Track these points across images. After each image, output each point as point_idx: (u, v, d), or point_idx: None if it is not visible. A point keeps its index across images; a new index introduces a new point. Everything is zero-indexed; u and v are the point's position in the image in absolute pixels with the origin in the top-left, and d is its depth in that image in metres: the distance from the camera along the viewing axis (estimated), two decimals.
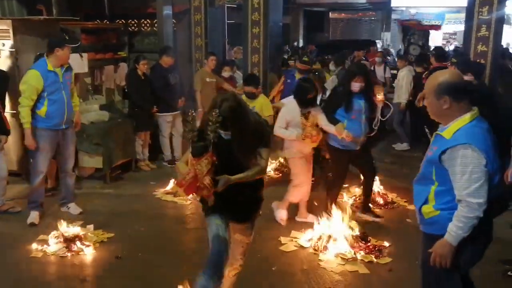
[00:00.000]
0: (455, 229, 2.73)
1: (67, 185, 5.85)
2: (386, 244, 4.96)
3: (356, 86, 5.20)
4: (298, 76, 7.07)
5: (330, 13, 26.05)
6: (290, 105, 5.29)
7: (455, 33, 25.93)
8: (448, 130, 2.78)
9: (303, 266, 4.59)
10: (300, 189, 5.51)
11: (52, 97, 5.29)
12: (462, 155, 2.67)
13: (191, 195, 4.21)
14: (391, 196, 6.35)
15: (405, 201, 6.25)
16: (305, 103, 5.19)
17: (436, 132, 2.90)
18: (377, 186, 6.25)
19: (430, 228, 2.92)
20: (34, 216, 5.51)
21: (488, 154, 2.69)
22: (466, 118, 2.77)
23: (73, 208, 5.80)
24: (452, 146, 2.71)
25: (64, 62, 5.38)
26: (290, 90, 6.64)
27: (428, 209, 2.89)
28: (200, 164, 3.01)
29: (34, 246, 4.85)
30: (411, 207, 6.00)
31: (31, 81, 5.20)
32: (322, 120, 5.25)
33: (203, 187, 3.06)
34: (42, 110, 5.28)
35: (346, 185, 6.43)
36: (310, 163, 5.53)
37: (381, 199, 6.23)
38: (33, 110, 5.29)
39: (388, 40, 25.55)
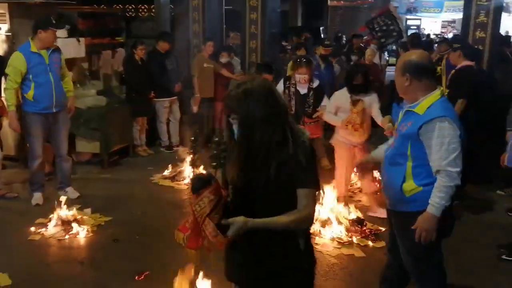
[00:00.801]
0: (438, 200, 2.83)
1: (63, 170, 5.85)
2: (382, 228, 4.98)
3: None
4: (322, 64, 6.99)
5: (328, 0, 25.90)
6: (341, 91, 5.25)
7: (454, 21, 25.83)
8: (420, 106, 2.91)
9: None
10: (336, 182, 5.42)
11: (38, 79, 5.25)
12: (439, 127, 2.81)
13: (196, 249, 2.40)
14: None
15: None
16: (353, 89, 5.10)
17: (407, 109, 3.01)
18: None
19: (412, 205, 2.94)
20: (37, 197, 5.57)
21: (459, 125, 2.85)
22: (436, 94, 2.92)
23: (71, 192, 5.80)
24: (428, 120, 2.84)
25: (48, 44, 5.30)
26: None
27: (410, 187, 2.94)
28: (199, 204, 2.10)
29: (32, 229, 4.87)
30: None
31: (14, 63, 5.18)
32: (374, 109, 5.16)
33: (204, 236, 2.13)
34: (30, 94, 5.25)
35: None
36: (356, 156, 5.21)
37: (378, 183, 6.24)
38: (22, 94, 5.29)
39: None
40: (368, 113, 5.13)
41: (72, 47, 6.97)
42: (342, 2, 26.50)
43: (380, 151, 3.32)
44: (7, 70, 5.22)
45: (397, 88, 3.06)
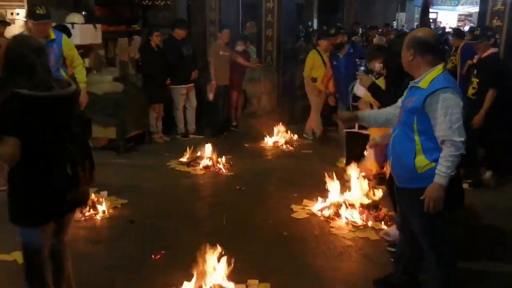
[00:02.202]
0: (445, 170, 2.87)
1: None
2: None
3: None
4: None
5: None
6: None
7: (470, 15, 25.57)
8: (424, 81, 2.99)
9: (314, 232, 4.62)
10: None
11: None
12: (443, 98, 2.88)
13: None
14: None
15: None
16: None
17: (411, 85, 3.10)
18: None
19: (424, 182, 2.94)
20: None
21: (462, 98, 2.93)
22: (439, 68, 3.00)
23: None
24: (431, 92, 2.90)
25: (37, 35, 4.86)
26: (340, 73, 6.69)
27: (423, 162, 2.97)
28: None
29: None
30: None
31: None
32: None
33: None
34: None
35: None
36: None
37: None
38: None
39: (403, 21, 25.25)
40: None
41: (88, 33, 7.03)
42: None
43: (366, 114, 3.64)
44: None
45: (402, 62, 3.15)
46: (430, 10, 26.13)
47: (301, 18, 20.51)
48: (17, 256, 3.99)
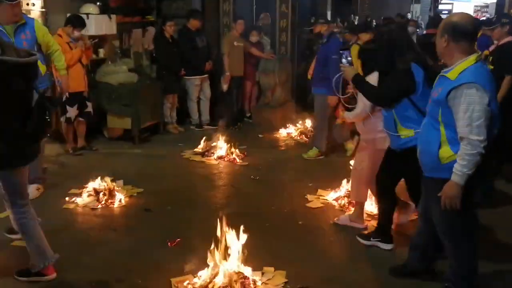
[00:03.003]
0: (460, 168, 2.82)
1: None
2: (411, 203, 4.93)
3: None
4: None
5: None
6: None
7: (487, 5, 25.25)
8: (453, 71, 2.87)
9: (329, 221, 4.61)
10: None
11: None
12: (466, 94, 2.77)
13: None
14: None
15: None
16: None
17: (441, 74, 2.99)
18: None
19: (447, 173, 2.91)
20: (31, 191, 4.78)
21: (492, 94, 2.79)
22: (471, 59, 2.86)
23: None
24: (456, 85, 2.80)
25: (11, 19, 4.66)
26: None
27: (447, 153, 2.93)
28: None
29: (66, 199, 4.98)
30: None
31: None
32: None
33: None
34: None
35: None
36: None
37: None
38: None
39: (417, 12, 25.01)
40: None
41: (103, 24, 7.05)
42: None
43: None
44: None
45: (437, 50, 3.03)
46: (445, 1, 25.88)
47: (315, 9, 20.41)
48: None
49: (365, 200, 4.50)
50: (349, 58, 4.00)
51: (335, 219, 4.62)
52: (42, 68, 4.92)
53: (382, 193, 4.03)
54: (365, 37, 6.66)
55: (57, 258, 3.55)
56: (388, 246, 4.06)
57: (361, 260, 3.96)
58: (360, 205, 4.51)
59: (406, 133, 3.61)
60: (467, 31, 2.88)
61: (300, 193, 5.26)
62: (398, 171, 3.84)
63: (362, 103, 4.07)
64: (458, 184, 2.84)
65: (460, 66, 2.85)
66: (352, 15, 20.32)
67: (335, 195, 5.08)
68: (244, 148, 6.68)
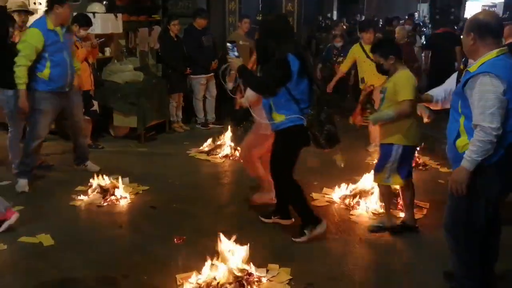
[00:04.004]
0: (469, 153, 2.86)
1: (82, 145, 5.78)
2: (417, 201, 4.92)
3: None
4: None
5: None
6: None
7: (494, 5, 25.13)
8: (475, 65, 2.92)
9: (334, 219, 4.62)
10: None
11: (54, 58, 5.04)
12: (480, 83, 2.82)
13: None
14: (424, 159, 6.28)
15: (437, 164, 6.20)
16: None
17: (466, 69, 3.05)
18: None
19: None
20: (23, 184, 5.16)
21: (509, 83, 2.80)
22: (493, 53, 2.90)
23: (91, 166, 5.76)
24: (472, 75, 2.85)
25: (63, 21, 5.15)
26: None
27: (463, 142, 2.96)
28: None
29: (72, 196, 5.00)
30: (444, 169, 5.95)
31: (30, 40, 4.92)
32: None
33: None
34: (45, 73, 5.02)
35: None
36: None
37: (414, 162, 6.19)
38: (35, 72, 5.01)
39: (424, 11, 24.96)
40: None
41: (109, 23, 7.08)
42: None
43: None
44: (19, 46, 4.95)
45: (463, 48, 3.08)
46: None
47: (321, 8, 20.42)
48: (42, 238, 4.09)
49: (262, 173, 4.70)
50: (236, 53, 4.14)
51: (251, 201, 4.87)
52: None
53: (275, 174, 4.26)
54: (366, 36, 6.67)
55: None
56: (322, 228, 4.18)
57: (366, 258, 3.97)
58: (259, 178, 4.81)
59: (279, 118, 3.97)
60: (492, 28, 2.93)
61: (305, 191, 5.23)
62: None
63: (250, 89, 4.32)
64: (466, 169, 2.88)
65: (482, 59, 2.90)
66: (359, 15, 20.30)
67: (341, 193, 5.08)
68: None
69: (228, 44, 4.18)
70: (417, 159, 6.20)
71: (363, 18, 19.03)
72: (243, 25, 8.07)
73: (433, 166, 6.16)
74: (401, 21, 13.11)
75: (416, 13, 22.18)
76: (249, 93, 4.36)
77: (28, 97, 5.01)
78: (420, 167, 6.09)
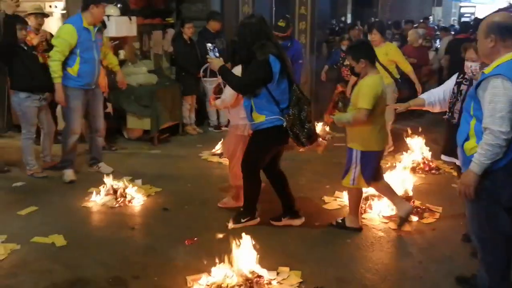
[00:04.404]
0: (478, 156, 2.83)
1: (97, 145, 5.91)
2: (430, 205, 4.90)
3: None
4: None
5: None
6: None
7: (510, 7, 24.88)
8: (490, 67, 2.90)
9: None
10: None
11: (84, 55, 5.28)
12: (492, 85, 2.79)
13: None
14: (437, 163, 6.23)
15: (451, 168, 6.13)
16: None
17: (482, 71, 3.04)
18: (424, 153, 6.29)
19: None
20: (70, 173, 5.55)
21: None
22: (509, 56, 2.86)
23: (104, 167, 5.85)
24: (485, 77, 2.83)
25: (97, 20, 5.36)
26: None
27: (471, 145, 2.94)
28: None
29: (85, 197, 5.05)
30: (457, 173, 5.89)
31: (65, 36, 5.19)
32: None
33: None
34: (74, 69, 5.27)
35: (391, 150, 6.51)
36: None
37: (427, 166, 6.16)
38: (64, 68, 5.25)
39: (439, 15, 24.79)
40: None
41: (124, 26, 7.13)
42: None
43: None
44: (54, 41, 5.24)
45: (479, 52, 3.04)
46: (468, 4, 25.57)
47: (335, 12, 20.38)
48: (55, 239, 4.13)
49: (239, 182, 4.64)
50: (217, 54, 4.17)
51: (218, 204, 4.91)
52: None
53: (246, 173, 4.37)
54: (370, 37, 6.64)
55: None
56: (254, 222, 4.42)
57: (377, 262, 3.95)
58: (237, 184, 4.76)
59: (259, 118, 4.10)
60: (511, 28, 2.89)
61: (317, 194, 5.26)
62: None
63: (229, 91, 4.42)
64: (474, 172, 2.86)
65: (497, 61, 2.88)
66: (373, 18, 20.23)
67: None
68: None
69: (209, 45, 4.25)
70: (430, 163, 6.18)
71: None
72: None
73: (446, 170, 6.10)
74: (415, 25, 13.04)
75: (430, 16, 22.02)
76: (227, 94, 4.48)
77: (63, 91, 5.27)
78: (433, 171, 6.06)
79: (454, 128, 3.64)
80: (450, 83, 4.17)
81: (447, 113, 4.20)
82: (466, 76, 4.02)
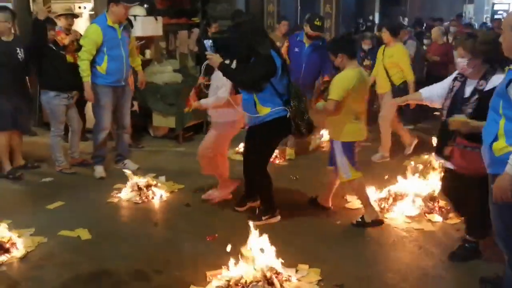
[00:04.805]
0: None
1: (124, 142, 6.03)
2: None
3: None
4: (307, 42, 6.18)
5: None
6: None
7: None
8: None
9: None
10: None
11: (111, 53, 5.42)
12: None
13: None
14: None
15: None
16: None
17: (509, 67, 2.86)
18: None
19: (501, 167, 2.77)
20: (100, 170, 5.72)
21: None
22: None
23: (130, 164, 5.95)
24: None
25: (120, 18, 5.44)
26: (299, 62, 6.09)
27: (500, 145, 2.79)
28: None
29: (110, 193, 5.16)
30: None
31: (91, 35, 5.35)
32: None
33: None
34: (103, 67, 5.42)
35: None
36: None
37: None
38: (94, 66, 5.41)
39: (471, 13, 24.31)
40: None
41: (150, 25, 7.24)
42: None
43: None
44: (82, 41, 5.41)
45: (504, 47, 2.88)
46: (502, 1, 25.01)
47: (362, 10, 20.19)
48: (80, 232, 4.24)
49: (220, 171, 4.98)
50: (212, 48, 4.20)
51: (202, 196, 5.04)
52: None
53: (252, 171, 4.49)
54: (381, 36, 6.57)
55: None
56: (276, 219, 4.51)
57: (398, 260, 3.93)
58: (219, 176, 5.02)
59: (264, 110, 4.19)
60: None
61: (339, 193, 5.23)
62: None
63: (225, 88, 4.49)
64: (510, 175, 2.70)
65: None
66: (401, 17, 19.98)
67: (376, 196, 5.03)
68: (283, 149, 6.69)
69: (207, 41, 4.26)
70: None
71: (406, 20, 18.65)
72: (281, 27, 8.10)
73: None
74: (445, 23, 12.83)
75: (462, 14, 21.60)
76: (223, 92, 4.54)
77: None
78: None
79: (442, 126, 3.65)
80: (450, 78, 4.05)
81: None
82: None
